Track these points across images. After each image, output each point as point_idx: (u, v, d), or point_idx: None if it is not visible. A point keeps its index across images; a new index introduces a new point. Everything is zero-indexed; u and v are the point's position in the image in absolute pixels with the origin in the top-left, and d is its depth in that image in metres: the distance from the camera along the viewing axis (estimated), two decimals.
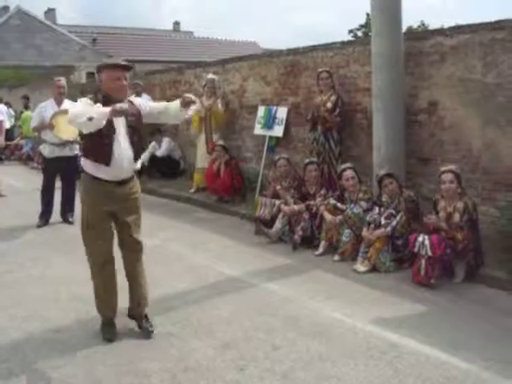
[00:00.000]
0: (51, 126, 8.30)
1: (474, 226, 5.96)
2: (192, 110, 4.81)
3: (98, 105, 4.32)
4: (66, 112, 8.18)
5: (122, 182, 4.66)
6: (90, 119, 4.15)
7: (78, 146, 8.69)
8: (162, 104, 4.99)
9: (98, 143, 4.45)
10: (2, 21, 33.68)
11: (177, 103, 4.77)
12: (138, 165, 4.85)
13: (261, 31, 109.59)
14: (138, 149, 4.74)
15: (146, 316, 4.91)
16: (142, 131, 4.84)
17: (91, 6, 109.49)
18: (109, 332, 4.77)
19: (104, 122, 4.24)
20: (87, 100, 4.47)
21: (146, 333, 4.76)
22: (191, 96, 4.73)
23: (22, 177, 13.86)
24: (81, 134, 4.62)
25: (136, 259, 4.87)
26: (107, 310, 4.84)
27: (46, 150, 8.70)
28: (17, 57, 32.12)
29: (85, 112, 4.20)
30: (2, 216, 9.54)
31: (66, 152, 8.67)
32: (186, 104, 4.70)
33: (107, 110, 4.24)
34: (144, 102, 4.97)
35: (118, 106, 4.28)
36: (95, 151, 4.53)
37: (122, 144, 4.55)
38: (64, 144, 8.56)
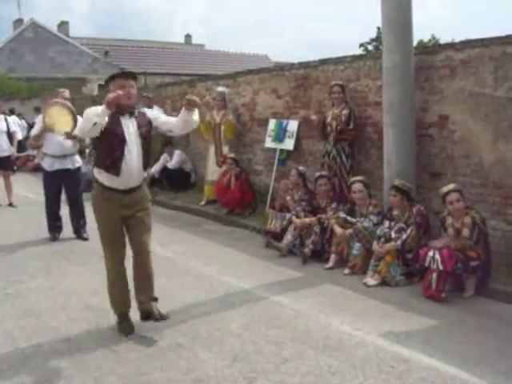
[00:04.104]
0: (46, 125, 7.81)
1: (484, 239, 5.94)
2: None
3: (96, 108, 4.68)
4: (55, 104, 8.01)
5: (131, 190, 4.93)
6: (95, 124, 4.55)
7: (79, 159, 8.63)
8: (173, 119, 5.19)
9: (109, 155, 4.78)
10: (15, 33, 34.07)
11: (183, 112, 4.94)
12: (148, 173, 5.04)
13: (272, 44, 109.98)
14: (147, 158, 5.06)
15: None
16: (151, 141, 5.16)
17: (104, 19, 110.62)
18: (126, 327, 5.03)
19: (106, 119, 4.59)
20: (89, 110, 4.75)
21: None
22: (194, 97, 4.89)
23: (33, 188, 13.92)
24: (94, 146, 4.99)
25: (145, 261, 5.06)
26: (121, 307, 5.08)
27: (46, 163, 8.47)
28: (30, 69, 32.45)
29: (88, 120, 4.58)
30: (14, 226, 9.61)
31: (67, 164, 8.40)
32: (189, 105, 4.85)
33: (102, 107, 4.58)
34: (157, 114, 5.27)
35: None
36: (106, 162, 4.80)
37: (133, 154, 4.83)
38: (65, 156, 8.35)
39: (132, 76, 4.95)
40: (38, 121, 8.58)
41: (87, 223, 8.63)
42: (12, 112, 19.40)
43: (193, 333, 5.03)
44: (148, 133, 5.00)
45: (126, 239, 5.02)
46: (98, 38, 42.14)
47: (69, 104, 8.19)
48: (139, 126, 4.91)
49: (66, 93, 8.58)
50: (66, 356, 4.59)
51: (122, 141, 4.76)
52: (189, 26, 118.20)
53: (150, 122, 5.03)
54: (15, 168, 13.30)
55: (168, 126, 5.14)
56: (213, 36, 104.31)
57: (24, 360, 4.54)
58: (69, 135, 7.87)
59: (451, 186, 6.19)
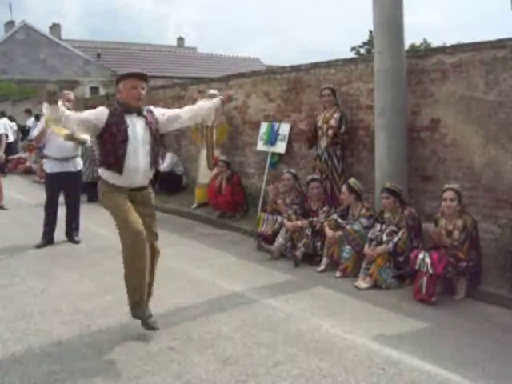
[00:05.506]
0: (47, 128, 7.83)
1: (474, 243, 5.96)
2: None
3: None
4: (54, 107, 8.02)
5: (136, 190, 4.99)
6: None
7: (81, 161, 8.63)
8: (179, 111, 5.31)
9: (112, 153, 4.78)
10: (7, 35, 33.90)
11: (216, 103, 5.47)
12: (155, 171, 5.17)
13: (264, 48, 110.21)
14: (154, 157, 5.03)
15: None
16: (160, 140, 5.18)
17: (96, 22, 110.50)
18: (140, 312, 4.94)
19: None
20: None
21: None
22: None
23: (24, 190, 13.89)
24: (98, 145, 4.98)
25: (153, 254, 5.08)
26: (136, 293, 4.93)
27: (48, 166, 8.43)
28: (21, 71, 32.29)
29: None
30: (5, 229, 9.56)
31: (69, 167, 8.36)
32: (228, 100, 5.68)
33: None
34: (163, 111, 5.20)
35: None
36: (108, 160, 4.81)
37: (139, 152, 4.84)
38: (67, 159, 8.31)
39: (143, 77, 4.92)
40: (40, 122, 8.58)
41: (80, 226, 8.71)
42: (3, 114, 19.30)
43: (184, 336, 5.02)
44: (156, 131, 4.99)
45: None
46: (90, 40, 42.04)
47: (68, 107, 8.15)
48: (147, 124, 4.92)
49: (71, 95, 8.56)
50: (57, 359, 4.57)
51: (125, 138, 4.75)
52: (181, 29, 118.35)
53: (157, 121, 5.02)
54: (6, 170, 13.29)
55: (176, 119, 5.22)
56: (205, 39, 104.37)
57: (15, 363, 4.51)
58: (68, 137, 7.88)
59: (453, 185, 6.21)
